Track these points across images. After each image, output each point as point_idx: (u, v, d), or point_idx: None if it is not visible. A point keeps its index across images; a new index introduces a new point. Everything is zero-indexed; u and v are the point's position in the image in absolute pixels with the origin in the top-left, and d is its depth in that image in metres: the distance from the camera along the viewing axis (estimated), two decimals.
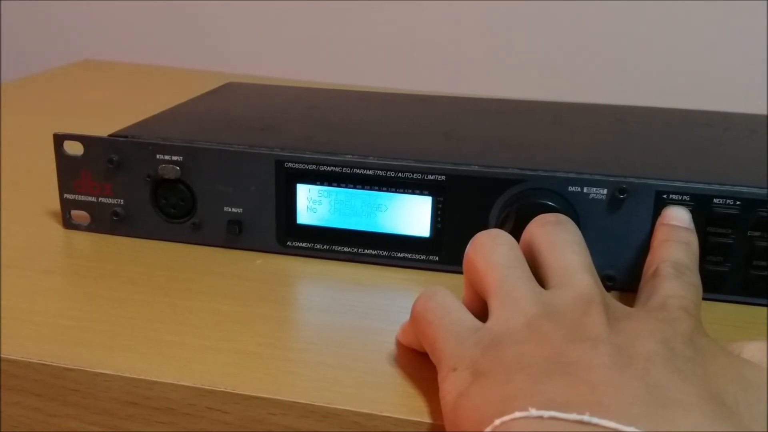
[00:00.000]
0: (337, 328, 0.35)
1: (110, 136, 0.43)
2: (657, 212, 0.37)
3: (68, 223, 0.44)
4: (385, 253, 0.41)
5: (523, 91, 0.85)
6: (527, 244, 0.32)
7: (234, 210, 0.42)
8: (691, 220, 0.37)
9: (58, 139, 0.42)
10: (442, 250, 0.40)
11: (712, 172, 0.40)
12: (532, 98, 0.60)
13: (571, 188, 0.38)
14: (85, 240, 0.43)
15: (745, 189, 0.37)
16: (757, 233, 0.37)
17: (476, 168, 0.39)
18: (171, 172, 0.41)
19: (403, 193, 0.40)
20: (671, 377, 0.25)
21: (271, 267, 0.41)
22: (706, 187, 0.37)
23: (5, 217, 0.45)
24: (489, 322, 0.29)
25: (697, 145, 0.47)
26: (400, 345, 0.34)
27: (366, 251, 0.41)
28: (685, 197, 0.37)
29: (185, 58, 0.92)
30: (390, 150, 0.41)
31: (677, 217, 0.37)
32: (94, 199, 0.43)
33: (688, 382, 0.25)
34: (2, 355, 0.32)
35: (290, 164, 0.41)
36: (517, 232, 0.33)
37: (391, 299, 0.39)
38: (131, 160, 0.42)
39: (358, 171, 0.40)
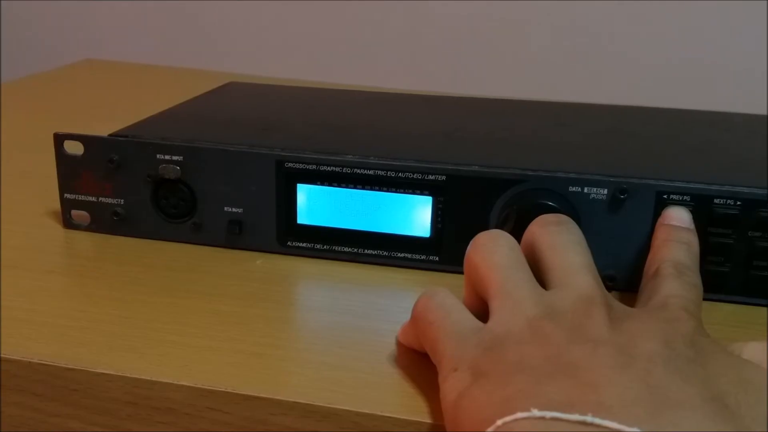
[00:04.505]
0: (337, 328, 0.35)
1: (110, 135, 0.43)
2: (657, 212, 0.37)
3: (69, 223, 0.44)
4: (385, 253, 0.41)
5: (523, 91, 0.85)
6: (528, 245, 0.32)
7: (234, 210, 0.42)
8: (692, 220, 0.37)
9: (59, 139, 0.42)
10: (442, 250, 0.40)
11: (712, 172, 0.40)
12: (532, 98, 0.60)
13: (571, 188, 0.38)
14: (85, 240, 0.43)
15: (745, 189, 0.37)
16: (757, 233, 0.37)
17: (476, 168, 0.39)
18: (171, 172, 0.41)
19: (404, 193, 0.40)
20: (673, 378, 0.25)
21: (271, 267, 0.41)
22: (707, 187, 0.37)
23: (5, 217, 0.45)
24: (490, 323, 0.29)
25: (697, 145, 0.47)
26: (400, 345, 0.34)
27: (366, 251, 0.41)
28: (685, 197, 0.37)
29: (185, 58, 0.92)
30: (390, 150, 0.41)
31: (678, 217, 0.37)
32: (94, 198, 0.43)
33: (690, 383, 0.25)
34: (2, 355, 0.32)
35: (290, 164, 0.41)
36: (517, 233, 0.33)
37: (392, 299, 0.39)
38: (132, 160, 0.42)
39: (358, 171, 0.40)
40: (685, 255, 0.34)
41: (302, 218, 0.41)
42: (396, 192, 0.40)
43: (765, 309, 0.38)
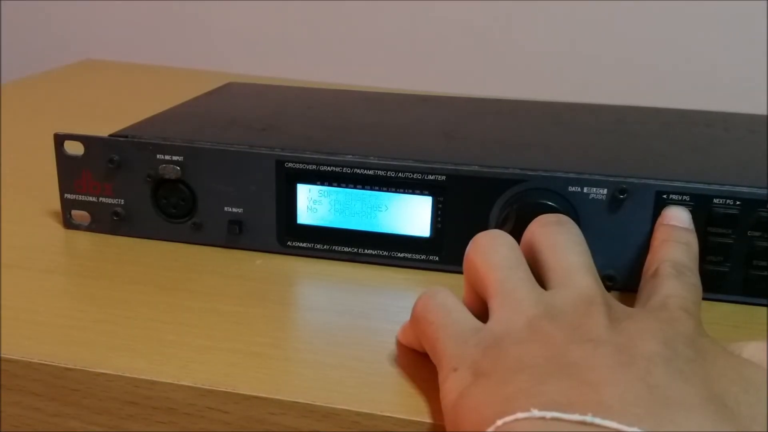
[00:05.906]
0: (337, 328, 0.35)
1: (111, 136, 0.43)
2: (657, 212, 0.37)
3: (69, 223, 0.44)
4: (385, 253, 0.41)
5: (523, 91, 0.85)
6: (528, 245, 0.32)
7: (234, 210, 0.42)
8: (691, 220, 0.37)
9: (59, 139, 0.42)
10: (442, 250, 0.40)
11: (712, 172, 0.40)
12: (532, 98, 0.60)
13: (571, 188, 0.38)
14: (85, 240, 0.43)
15: (745, 189, 0.37)
16: (757, 233, 0.37)
17: (476, 168, 0.39)
18: (171, 172, 0.41)
19: (404, 193, 0.40)
20: (673, 378, 0.25)
21: (271, 267, 0.41)
22: (706, 187, 0.37)
23: (5, 217, 0.45)
24: (490, 323, 0.29)
25: (697, 145, 0.47)
26: (400, 345, 0.34)
27: (366, 251, 0.41)
28: (685, 197, 0.37)
29: (185, 58, 0.92)
30: (390, 150, 0.41)
31: (677, 217, 0.37)
32: (94, 199, 0.43)
33: (690, 382, 0.25)
34: (2, 355, 0.32)
35: (290, 164, 0.41)
36: (517, 232, 0.33)
37: (391, 299, 0.39)
38: (132, 160, 0.42)
39: (358, 171, 0.40)
40: (685, 255, 0.34)
41: (302, 218, 0.41)
42: (396, 192, 0.40)
43: (765, 309, 0.38)
